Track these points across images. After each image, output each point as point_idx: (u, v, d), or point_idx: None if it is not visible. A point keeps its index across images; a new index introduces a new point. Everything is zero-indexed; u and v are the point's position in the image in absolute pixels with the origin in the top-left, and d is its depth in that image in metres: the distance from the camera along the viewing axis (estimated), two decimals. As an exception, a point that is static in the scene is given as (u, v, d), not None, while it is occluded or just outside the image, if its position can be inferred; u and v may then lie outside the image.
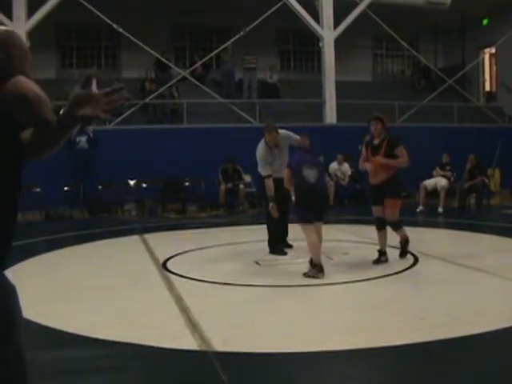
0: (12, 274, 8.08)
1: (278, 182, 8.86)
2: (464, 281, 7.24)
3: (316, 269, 7.36)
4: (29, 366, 4.59)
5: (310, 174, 7.67)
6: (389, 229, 8.29)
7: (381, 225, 8.24)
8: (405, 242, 8.43)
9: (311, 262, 7.45)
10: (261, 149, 9.11)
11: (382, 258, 8.20)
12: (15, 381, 2.54)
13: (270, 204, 8.85)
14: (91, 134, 15.94)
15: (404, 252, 8.48)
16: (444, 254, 9.00)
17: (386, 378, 4.26)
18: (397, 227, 8.33)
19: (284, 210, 9.04)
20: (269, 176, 9.01)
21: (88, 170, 15.85)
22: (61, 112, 2.38)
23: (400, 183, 8.31)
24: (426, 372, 4.26)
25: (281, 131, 9.16)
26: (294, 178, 7.77)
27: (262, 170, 9.12)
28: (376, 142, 8.16)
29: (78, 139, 15.84)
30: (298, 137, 9.08)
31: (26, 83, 2.40)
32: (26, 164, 2.55)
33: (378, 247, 8.31)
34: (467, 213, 15.04)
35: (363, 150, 8.40)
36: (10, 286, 2.62)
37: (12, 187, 2.51)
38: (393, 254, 8.73)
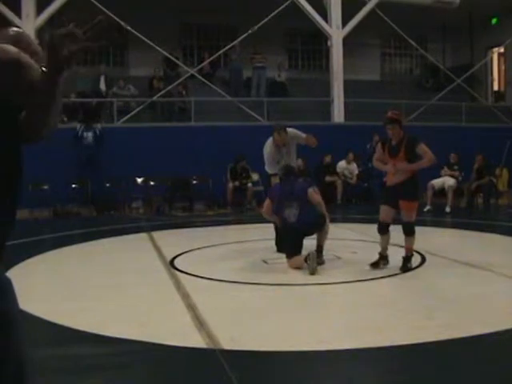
0: (19, 270, 8.17)
1: None
2: (472, 281, 7.22)
3: (309, 258, 7.51)
4: (37, 362, 4.62)
5: (291, 212, 8.03)
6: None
7: (383, 229, 7.80)
8: (409, 257, 7.74)
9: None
10: (268, 147, 9.12)
11: (381, 262, 7.78)
12: (16, 374, 2.54)
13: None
14: (98, 131, 15.97)
15: (405, 266, 7.65)
16: (451, 253, 8.96)
17: (393, 378, 4.25)
18: (410, 231, 7.68)
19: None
20: (275, 174, 9.02)
21: (94, 165, 15.87)
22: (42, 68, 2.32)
23: (418, 184, 7.89)
24: (434, 372, 4.25)
25: (288, 129, 9.16)
26: (277, 213, 8.21)
27: (269, 168, 9.14)
28: (394, 142, 7.74)
29: (84, 135, 15.85)
30: (304, 135, 9.11)
31: (7, 47, 2.37)
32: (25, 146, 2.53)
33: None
34: (475, 212, 15.00)
35: (377, 148, 8.08)
36: (5, 280, 2.61)
37: (13, 173, 2.51)
38: (400, 252, 8.72)
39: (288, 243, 8.07)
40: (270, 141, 9.13)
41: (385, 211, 7.78)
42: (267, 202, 8.41)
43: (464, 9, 19.73)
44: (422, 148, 7.71)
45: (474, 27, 22.58)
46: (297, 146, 9.40)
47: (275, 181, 8.99)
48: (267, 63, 19.97)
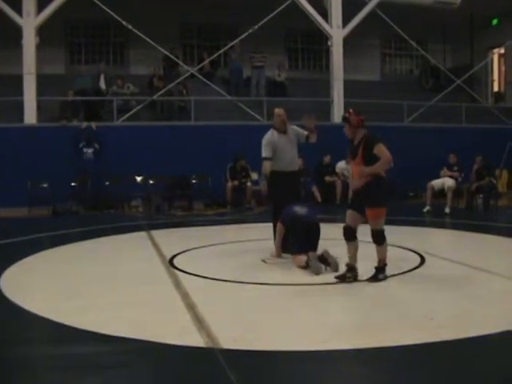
0: (19, 268, 8.17)
1: (290, 176, 8.89)
2: (471, 282, 7.21)
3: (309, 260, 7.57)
4: (37, 360, 4.64)
5: (302, 209, 8.32)
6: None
7: (349, 235, 7.19)
8: (381, 267, 7.13)
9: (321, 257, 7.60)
10: (268, 134, 9.09)
11: (348, 274, 7.14)
12: None
13: (263, 182, 9.10)
14: (98, 147, 16.05)
15: (375, 277, 7.09)
16: (451, 254, 8.97)
17: (394, 378, 4.24)
18: (379, 240, 7.11)
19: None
20: (268, 159, 8.95)
21: (94, 176, 15.96)
22: None
23: (383, 188, 7.17)
24: (434, 372, 4.24)
25: (291, 126, 9.19)
26: (289, 219, 8.29)
27: (264, 151, 8.98)
28: (355, 142, 7.24)
29: (84, 150, 16.01)
30: (306, 132, 9.15)
31: None
32: None
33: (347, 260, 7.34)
34: (474, 214, 14.99)
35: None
36: None
37: None
38: (399, 253, 8.73)
39: (304, 237, 8.06)
40: (270, 131, 9.12)
41: (350, 215, 7.23)
42: (280, 226, 8.51)
43: (464, 9, 19.73)
44: (379, 148, 7.04)
45: (475, 28, 22.58)
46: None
47: (267, 165, 8.95)
48: (267, 63, 19.97)
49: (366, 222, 7.20)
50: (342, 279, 7.10)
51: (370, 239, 7.13)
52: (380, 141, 7.12)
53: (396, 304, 6.18)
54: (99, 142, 16.10)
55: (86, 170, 15.90)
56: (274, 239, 8.97)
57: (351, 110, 7.31)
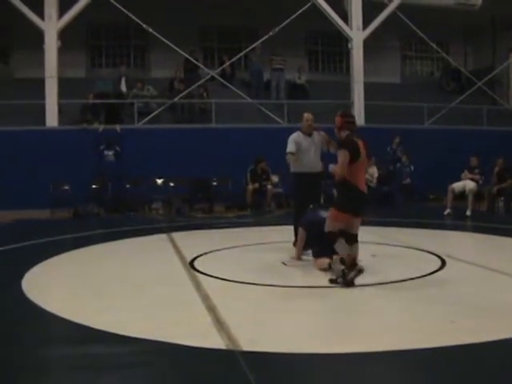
0: (40, 269, 8.22)
1: (311, 178, 8.92)
2: (491, 285, 7.17)
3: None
4: (58, 361, 4.67)
5: (323, 213, 8.10)
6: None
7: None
8: (341, 266, 7.06)
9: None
10: (293, 134, 9.26)
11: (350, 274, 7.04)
12: None
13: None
14: (118, 149, 16.16)
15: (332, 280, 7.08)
16: (472, 257, 8.93)
17: (412, 381, 4.24)
18: (331, 239, 7.21)
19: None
20: (292, 153, 9.11)
21: (115, 180, 16.05)
22: None
23: (349, 194, 7.20)
24: (453, 376, 4.23)
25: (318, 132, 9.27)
26: (309, 222, 8.32)
27: (288, 147, 9.19)
28: None
29: (105, 153, 16.13)
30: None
31: None
32: None
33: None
34: (496, 216, 14.89)
35: None
36: None
37: None
38: (420, 256, 8.70)
39: (324, 241, 8.01)
40: (296, 132, 9.25)
41: None
42: (301, 231, 8.55)
43: (486, 11, 19.62)
44: (340, 154, 7.09)
45: (496, 29, 22.42)
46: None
47: (290, 156, 9.12)
48: (287, 65, 19.99)
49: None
50: (333, 282, 7.09)
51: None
52: (345, 147, 7.09)
53: (416, 307, 6.13)
54: (120, 145, 16.22)
55: (107, 173, 16.00)
56: (294, 241, 9.00)
57: (341, 112, 7.45)
